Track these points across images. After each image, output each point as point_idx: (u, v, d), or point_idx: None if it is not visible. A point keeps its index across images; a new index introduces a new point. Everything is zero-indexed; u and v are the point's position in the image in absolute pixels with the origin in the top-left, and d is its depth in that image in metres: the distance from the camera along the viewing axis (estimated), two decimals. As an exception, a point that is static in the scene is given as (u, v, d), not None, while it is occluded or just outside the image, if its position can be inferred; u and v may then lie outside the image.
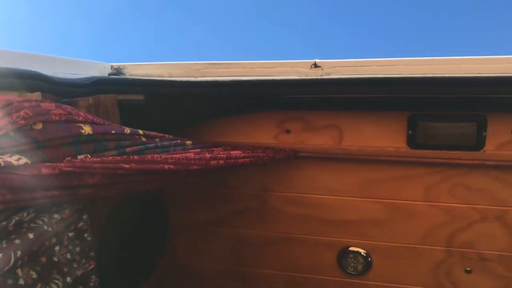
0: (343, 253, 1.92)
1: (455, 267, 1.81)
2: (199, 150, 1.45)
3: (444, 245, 1.78)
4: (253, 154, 1.60)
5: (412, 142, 1.62)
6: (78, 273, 1.20)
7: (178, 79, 1.63)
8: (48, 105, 1.01)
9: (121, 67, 1.79)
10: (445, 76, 1.39)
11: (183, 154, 1.31)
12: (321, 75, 1.56)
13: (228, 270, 2.11)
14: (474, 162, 1.59)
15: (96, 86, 1.53)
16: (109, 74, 1.77)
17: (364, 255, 1.89)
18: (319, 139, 1.73)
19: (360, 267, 1.92)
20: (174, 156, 1.25)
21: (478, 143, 1.56)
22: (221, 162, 1.41)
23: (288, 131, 1.75)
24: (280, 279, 2.06)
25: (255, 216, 1.95)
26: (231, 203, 1.96)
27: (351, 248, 1.90)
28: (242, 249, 2.05)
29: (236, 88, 1.55)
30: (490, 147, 1.57)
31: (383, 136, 1.66)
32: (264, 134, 1.77)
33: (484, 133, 1.55)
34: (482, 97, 1.43)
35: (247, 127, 1.78)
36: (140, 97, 1.66)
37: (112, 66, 1.80)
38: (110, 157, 1.11)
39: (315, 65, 1.58)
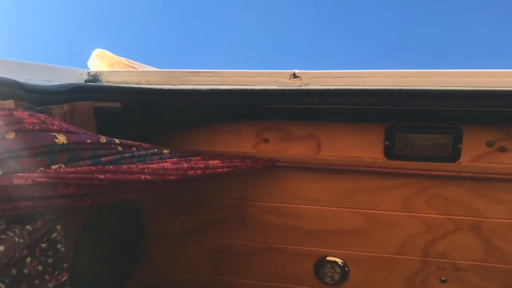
0: (321, 263, 1.92)
1: (430, 277, 1.83)
2: (177, 159, 1.44)
3: (420, 255, 1.80)
4: (232, 163, 1.59)
5: (389, 153, 1.64)
6: (50, 285, 1.17)
7: (157, 87, 1.61)
8: (21, 114, 0.98)
9: (98, 73, 1.76)
10: (422, 88, 1.40)
11: (160, 164, 1.29)
12: (300, 86, 1.56)
13: (205, 280, 2.09)
14: (450, 174, 1.62)
15: (72, 93, 1.49)
16: (86, 81, 1.73)
17: (341, 264, 1.90)
18: (298, 149, 1.73)
19: (337, 276, 1.92)
20: (151, 166, 1.24)
21: (454, 155, 1.59)
22: (199, 172, 1.39)
23: (266, 141, 1.75)
24: None
25: (233, 226, 1.94)
26: (209, 212, 1.94)
27: (329, 258, 1.91)
28: (220, 258, 2.04)
29: (215, 97, 1.54)
30: (466, 159, 1.59)
31: (361, 147, 1.67)
32: (243, 144, 1.77)
33: (460, 145, 1.57)
34: (458, 110, 1.46)
35: (225, 136, 1.77)
36: (117, 104, 1.64)
37: (88, 73, 1.76)
38: (85, 167, 1.09)
39: (294, 75, 1.58)
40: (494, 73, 1.42)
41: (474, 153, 1.58)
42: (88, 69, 1.80)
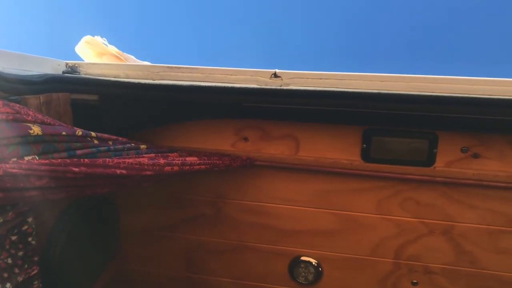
0: (295, 263, 1.93)
1: (402, 279, 1.86)
2: (154, 155, 1.43)
3: (393, 257, 1.83)
4: (209, 161, 1.59)
5: (365, 155, 1.65)
6: (20, 278, 1.15)
7: (135, 81, 1.59)
8: (-6, 103, 0.96)
9: (76, 65, 1.73)
10: (399, 93, 1.43)
11: (136, 159, 1.28)
12: (281, 86, 1.57)
13: (179, 277, 2.08)
14: (424, 178, 1.64)
15: (48, 84, 1.47)
16: (63, 72, 1.71)
17: (315, 265, 1.91)
18: (276, 149, 1.74)
19: (311, 276, 1.94)
20: (127, 160, 1.22)
21: (429, 160, 1.61)
22: (176, 168, 1.38)
23: (245, 139, 1.75)
24: (231, 287, 2.05)
25: (208, 223, 1.93)
26: (185, 209, 1.93)
27: (303, 258, 1.92)
28: (194, 256, 2.03)
29: (195, 93, 1.53)
30: (440, 164, 1.62)
31: (339, 149, 1.68)
32: (222, 141, 1.76)
33: (435, 150, 1.60)
34: (434, 116, 1.48)
35: (204, 133, 1.77)
36: (95, 97, 1.62)
37: (66, 64, 1.73)
38: (59, 160, 1.07)
39: (275, 75, 1.58)
40: (471, 80, 1.45)
41: (449, 159, 1.61)
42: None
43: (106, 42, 2.15)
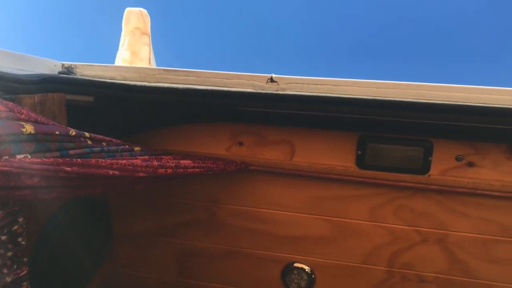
0: (288, 269, 1.92)
1: (395, 287, 1.85)
2: (147, 157, 1.42)
3: (386, 265, 1.82)
4: (204, 164, 1.58)
5: (360, 162, 1.65)
6: (8, 279, 1.13)
7: (132, 83, 1.59)
8: (-13, 100, 0.96)
9: (72, 66, 1.73)
10: (395, 99, 1.43)
11: (129, 160, 1.27)
12: (277, 90, 1.56)
13: (171, 281, 2.06)
14: (419, 186, 1.64)
15: (44, 83, 1.47)
16: (59, 73, 1.70)
17: (308, 271, 1.90)
18: (271, 154, 1.73)
19: (303, 283, 1.92)
20: (120, 161, 1.22)
21: (424, 167, 1.61)
22: (169, 171, 1.38)
23: (240, 144, 1.74)
24: None
25: (202, 228, 1.92)
26: (179, 213, 1.92)
27: (296, 264, 1.91)
28: (187, 261, 2.01)
29: (190, 96, 1.53)
30: (435, 172, 1.62)
31: (334, 155, 1.68)
32: (217, 145, 1.76)
33: (430, 158, 1.60)
34: (430, 123, 1.48)
35: (199, 137, 1.76)
36: (90, 98, 1.61)
37: (63, 65, 1.73)
38: (52, 159, 1.06)
39: (271, 80, 1.58)
40: (467, 88, 1.46)
41: (443, 167, 1.61)
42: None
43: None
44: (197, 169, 1.53)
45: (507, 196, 1.60)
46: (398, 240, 1.76)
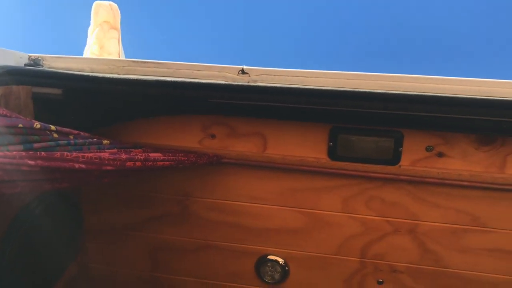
0: (262, 261, 1.92)
1: (367, 278, 1.87)
2: (116, 150, 1.39)
3: (358, 256, 1.83)
4: (174, 157, 1.56)
5: (332, 153, 1.65)
6: (-30, 276, 1.10)
7: (100, 75, 1.55)
8: None
9: (39, 58, 1.67)
10: (365, 91, 1.43)
11: (96, 154, 1.24)
12: (248, 82, 1.55)
13: (143, 276, 2.04)
14: (389, 176, 1.65)
15: (8, 75, 1.42)
16: (26, 65, 1.65)
17: (282, 263, 1.90)
18: (244, 146, 1.72)
19: (277, 275, 1.93)
20: (86, 155, 1.19)
21: (394, 158, 1.62)
22: (138, 164, 1.35)
23: (212, 136, 1.73)
24: (197, 287, 2.02)
25: (174, 222, 1.90)
26: (150, 207, 1.90)
27: (270, 257, 1.90)
28: (159, 255, 1.99)
29: (161, 88, 1.51)
30: (406, 163, 1.63)
31: (306, 147, 1.68)
32: (188, 138, 1.74)
33: (401, 149, 1.61)
34: (400, 114, 1.49)
35: (171, 130, 1.74)
36: (58, 91, 1.57)
37: (29, 57, 1.68)
38: (15, 152, 1.03)
39: (243, 71, 1.57)
40: (436, 79, 1.47)
41: (414, 157, 1.63)
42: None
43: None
44: (167, 162, 1.51)
45: (475, 186, 1.62)
46: (370, 231, 1.78)
